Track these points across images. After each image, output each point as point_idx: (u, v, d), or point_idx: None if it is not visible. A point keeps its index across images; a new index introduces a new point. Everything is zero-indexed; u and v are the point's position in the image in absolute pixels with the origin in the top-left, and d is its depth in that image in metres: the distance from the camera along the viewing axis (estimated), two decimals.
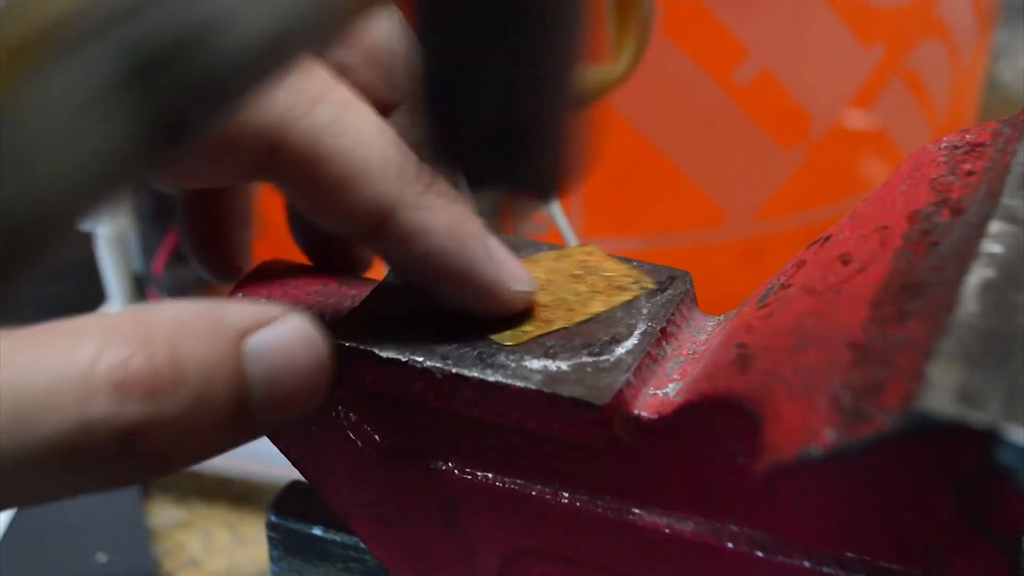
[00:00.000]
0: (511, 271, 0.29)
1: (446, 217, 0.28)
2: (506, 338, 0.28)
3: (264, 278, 0.31)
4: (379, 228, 0.28)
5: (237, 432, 0.24)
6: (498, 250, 0.29)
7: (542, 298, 0.29)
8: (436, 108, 0.26)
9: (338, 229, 0.28)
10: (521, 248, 0.32)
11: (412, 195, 0.28)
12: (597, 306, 0.29)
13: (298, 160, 0.28)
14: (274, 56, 0.14)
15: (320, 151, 0.27)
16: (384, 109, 0.30)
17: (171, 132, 0.14)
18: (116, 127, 0.13)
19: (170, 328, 0.22)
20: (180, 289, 0.54)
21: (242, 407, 0.23)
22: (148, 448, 0.22)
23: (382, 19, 0.31)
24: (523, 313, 0.29)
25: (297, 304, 0.31)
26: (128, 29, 0.12)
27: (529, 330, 0.28)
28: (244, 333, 0.23)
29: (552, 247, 0.32)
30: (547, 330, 0.28)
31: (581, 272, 0.31)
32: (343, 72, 0.30)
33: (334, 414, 0.29)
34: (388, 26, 0.31)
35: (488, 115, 0.26)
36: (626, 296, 0.30)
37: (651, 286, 0.30)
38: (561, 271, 0.31)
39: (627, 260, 0.31)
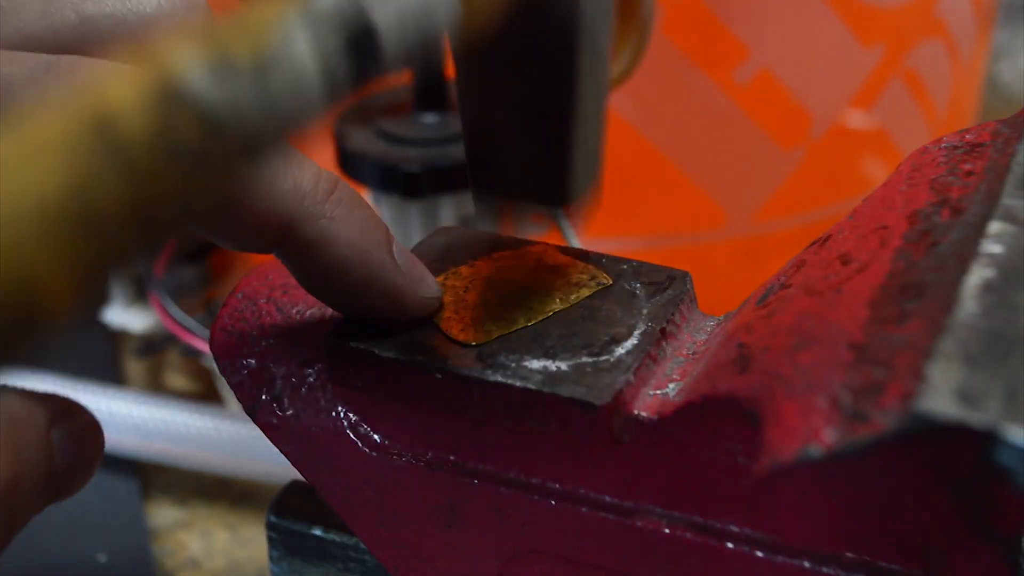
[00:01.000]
0: (416, 276, 0.29)
1: (347, 226, 0.27)
2: (470, 338, 0.28)
3: (264, 278, 0.31)
4: (280, 242, 0.27)
5: (40, 506, 0.27)
6: (403, 256, 0.29)
7: (502, 298, 0.30)
8: (479, 140, 0.31)
9: (240, 247, 0.28)
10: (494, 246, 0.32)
11: (311, 205, 0.27)
12: (556, 304, 0.29)
13: None
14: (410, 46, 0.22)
15: None
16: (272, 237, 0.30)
17: (364, 78, 0.21)
18: (338, 68, 0.21)
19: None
20: (181, 290, 0.54)
21: (49, 487, 0.27)
22: None
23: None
24: (485, 314, 0.29)
25: (297, 304, 0.31)
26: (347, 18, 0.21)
27: (492, 330, 0.28)
28: (52, 423, 0.27)
29: (513, 244, 0.32)
30: (510, 329, 0.28)
31: (536, 270, 0.31)
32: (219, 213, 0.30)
33: (334, 414, 0.29)
34: None
35: (528, 142, 0.31)
36: (584, 292, 0.30)
37: (607, 281, 0.30)
38: (517, 270, 0.31)
39: (582, 254, 0.32)
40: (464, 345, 0.28)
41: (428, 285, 0.29)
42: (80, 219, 0.18)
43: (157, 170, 0.18)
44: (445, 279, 0.30)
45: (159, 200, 0.19)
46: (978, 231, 0.24)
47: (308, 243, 0.27)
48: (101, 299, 0.58)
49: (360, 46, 0.21)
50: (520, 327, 0.28)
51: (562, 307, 0.29)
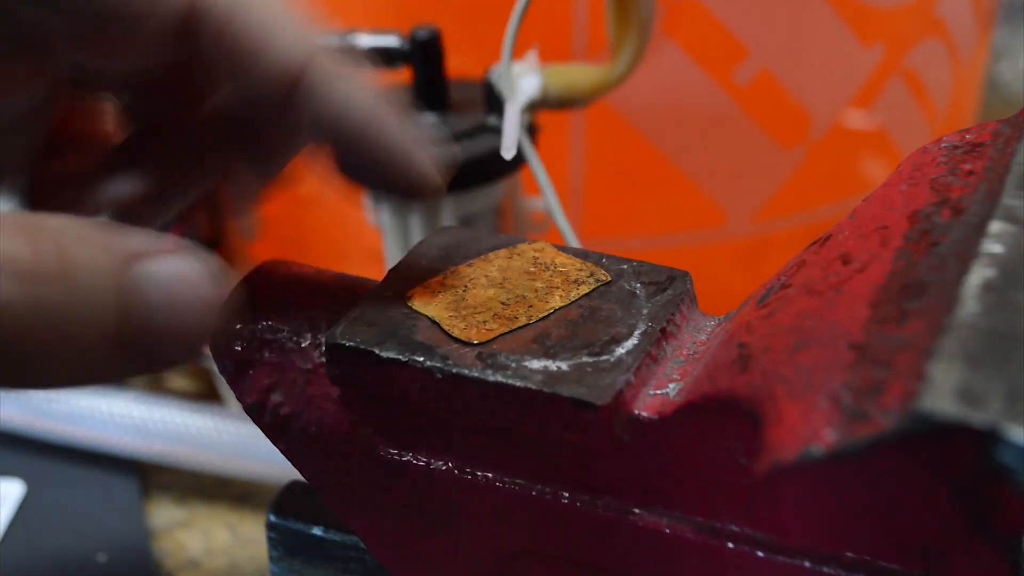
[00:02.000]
0: (422, 148, 0.28)
1: (358, 81, 0.27)
2: (472, 336, 0.28)
3: (264, 278, 0.31)
4: (292, 89, 0.27)
5: (115, 353, 0.23)
6: (410, 126, 0.28)
7: (502, 296, 0.30)
8: None
9: (251, 95, 0.28)
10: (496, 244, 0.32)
11: (324, 57, 0.27)
12: (556, 301, 0.29)
13: (212, 21, 0.27)
14: None
15: (232, 9, 0.28)
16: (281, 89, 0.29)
17: None
18: None
19: (59, 231, 0.22)
20: None
21: (120, 325, 0.23)
22: (22, 335, 0.22)
23: None
24: (486, 312, 0.29)
25: (297, 304, 0.31)
26: None
27: (494, 328, 0.28)
28: (136, 256, 0.23)
29: (509, 242, 0.32)
30: (511, 327, 0.28)
31: (535, 269, 0.31)
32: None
33: (334, 414, 0.29)
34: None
35: None
36: (584, 289, 0.30)
37: (606, 278, 0.30)
38: (515, 269, 0.31)
39: (581, 252, 0.32)
40: (466, 343, 0.28)
41: (430, 162, 0.28)
42: None
43: None
44: (445, 279, 0.30)
45: None
46: (979, 231, 0.24)
47: (319, 93, 0.27)
48: None
49: None
50: (521, 325, 0.28)
51: (562, 304, 0.29)
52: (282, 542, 0.32)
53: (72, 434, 0.51)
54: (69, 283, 0.22)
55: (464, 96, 0.48)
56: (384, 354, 0.28)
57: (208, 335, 0.24)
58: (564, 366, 0.27)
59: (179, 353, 0.24)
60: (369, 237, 0.51)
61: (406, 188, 0.28)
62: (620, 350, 0.28)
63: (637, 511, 0.27)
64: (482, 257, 0.31)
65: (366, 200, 0.49)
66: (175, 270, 0.23)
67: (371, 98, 0.28)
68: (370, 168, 0.28)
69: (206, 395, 0.57)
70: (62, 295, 0.22)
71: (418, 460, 0.29)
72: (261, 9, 0.28)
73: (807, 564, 0.25)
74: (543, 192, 0.42)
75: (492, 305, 0.29)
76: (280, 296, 0.31)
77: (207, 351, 0.28)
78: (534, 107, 0.43)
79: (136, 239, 0.24)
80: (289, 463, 0.30)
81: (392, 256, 0.48)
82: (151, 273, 0.23)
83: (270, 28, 0.28)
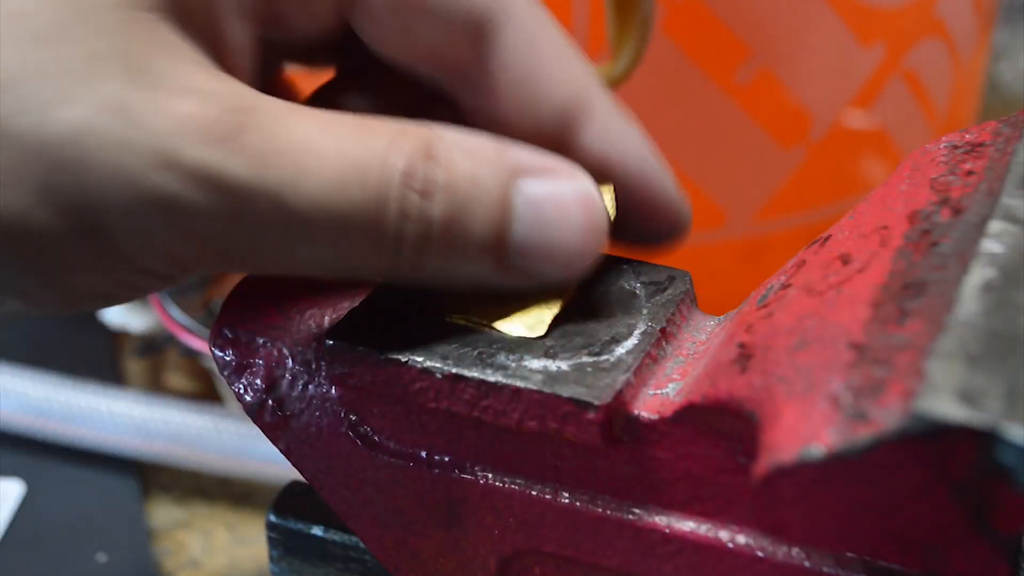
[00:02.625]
0: (681, 195, 0.28)
1: (631, 124, 0.27)
2: (536, 331, 0.28)
3: (264, 278, 0.31)
4: (570, 125, 0.27)
5: (495, 263, 0.24)
6: (670, 173, 0.28)
7: (503, 297, 0.29)
8: None
9: (528, 120, 0.28)
10: None
11: (602, 97, 0.27)
12: (556, 303, 0.29)
13: (508, 35, 0.27)
14: None
15: (528, 28, 0.27)
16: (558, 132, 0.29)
17: None
18: None
19: (451, 143, 0.24)
20: (180, 290, 0.54)
21: (501, 238, 0.24)
22: (416, 236, 0.23)
23: None
24: (522, 310, 0.29)
25: (297, 304, 0.31)
26: None
27: (545, 319, 0.28)
28: (521, 172, 0.24)
29: None
30: (557, 310, 0.28)
31: None
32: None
33: (334, 414, 0.29)
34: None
35: None
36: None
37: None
38: None
39: None
40: (503, 342, 0.28)
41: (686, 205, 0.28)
42: None
43: None
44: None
45: None
46: (979, 231, 0.24)
47: (605, 132, 0.28)
48: None
49: None
50: (560, 310, 0.28)
51: (561, 306, 0.29)
52: (282, 542, 0.32)
53: (72, 434, 0.51)
54: (453, 197, 0.23)
55: None
56: (384, 354, 0.28)
57: (589, 259, 0.25)
58: (564, 366, 0.27)
59: (556, 272, 0.25)
60: None
61: (668, 234, 0.28)
62: (620, 350, 0.28)
63: (637, 511, 0.27)
64: None
65: None
66: (560, 191, 0.24)
67: (643, 141, 0.28)
68: (636, 213, 0.28)
69: (206, 395, 0.56)
70: (444, 209, 0.23)
71: (418, 460, 0.29)
72: (552, 33, 0.28)
73: (807, 564, 0.25)
74: None
75: (497, 304, 0.29)
76: (280, 296, 0.31)
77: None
78: None
79: (523, 155, 0.24)
80: (289, 463, 0.30)
81: None
82: (534, 192, 0.24)
83: (561, 54, 0.27)
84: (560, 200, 0.24)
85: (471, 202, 0.24)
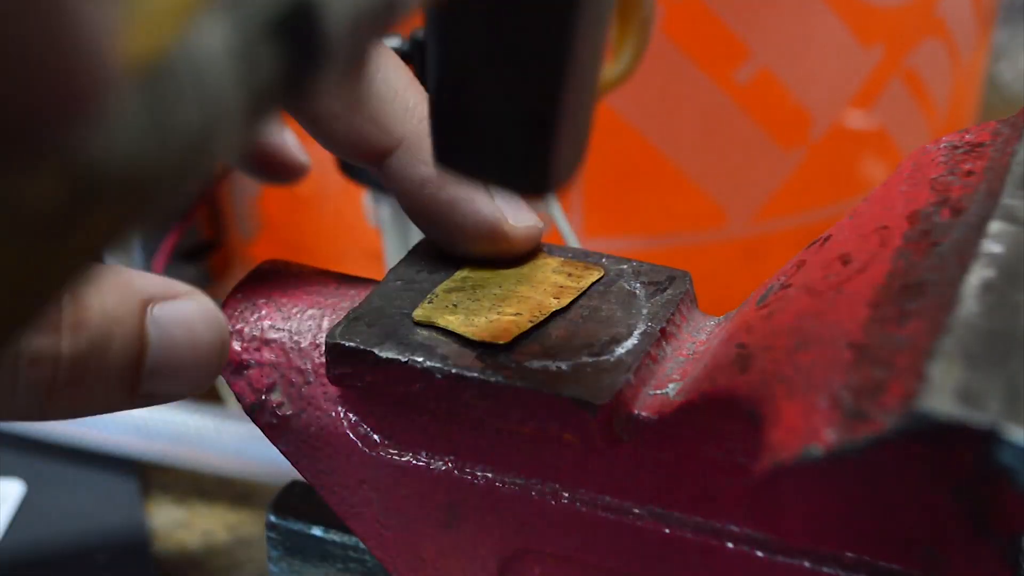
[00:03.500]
0: (513, 205, 0.29)
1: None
2: (485, 337, 0.28)
3: (264, 278, 0.31)
4: (384, 156, 0.29)
5: (128, 393, 0.24)
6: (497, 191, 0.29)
7: (503, 298, 0.29)
8: (447, 105, 0.25)
9: (350, 156, 0.30)
10: None
11: (417, 130, 0.29)
12: (553, 303, 0.29)
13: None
14: (367, 26, 0.17)
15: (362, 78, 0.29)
16: (377, 154, 0.31)
17: (299, 78, 0.16)
18: (263, 68, 0.15)
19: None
20: None
21: (136, 368, 0.24)
22: (41, 380, 0.23)
23: (377, 60, 0.31)
24: (493, 313, 0.29)
25: (297, 304, 0.31)
26: None
27: (511, 329, 0.28)
28: (150, 300, 0.24)
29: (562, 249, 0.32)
30: (524, 328, 0.28)
31: (533, 270, 0.31)
32: (330, 121, 0.30)
33: (334, 414, 0.29)
34: (378, 69, 0.31)
35: (506, 112, 0.25)
36: (584, 283, 0.30)
37: (600, 272, 0.30)
38: (516, 271, 0.31)
39: (581, 252, 0.32)
40: (489, 345, 0.28)
41: (526, 216, 0.29)
42: None
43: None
44: (448, 288, 0.30)
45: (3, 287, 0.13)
46: (978, 231, 0.24)
47: (407, 161, 0.29)
48: None
49: (296, 29, 0.15)
50: (532, 326, 0.28)
51: (558, 306, 0.29)
52: (282, 542, 0.32)
53: (72, 434, 0.51)
54: (83, 335, 0.23)
55: None
56: (384, 354, 0.28)
57: (215, 375, 0.25)
58: (564, 366, 0.27)
59: (182, 391, 0.25)
60: (369, 237, 0.51)
61: (494, 253, 0.30)
62: (620, 350, 0.28)
63: (637, 511, 0.27)
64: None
65: (366, 200, 0.49)
66: (187, 313, 0.24)
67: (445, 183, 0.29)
68: (455, 235, 0.30)
69: (206, 395, 0.56)
70: (77, 346, 0.23)
71: (418, 460, 0.29)
72: (381, 83, 0.30)
73: (807, 564, 0.25)
74: None
75: (494, 305, 0.29)
76: (280, 296, 0.31)
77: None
78: None
79: (149, 281, 0.24)
80: (289, 463, 0.30)
81: (392, 256, 0.48)
82: (165, 317, 0.24)
83: (381, 105, 0.30)
84: (187, 321, 0.24)
85: (106, 338, 0.23)
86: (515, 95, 0.24)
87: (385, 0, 0.17)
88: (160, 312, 0.24)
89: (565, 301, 0.29)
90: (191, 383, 0.25)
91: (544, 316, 0.29)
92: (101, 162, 0.13)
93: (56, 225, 0.13)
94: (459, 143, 0.26)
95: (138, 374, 0.24)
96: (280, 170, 0.36)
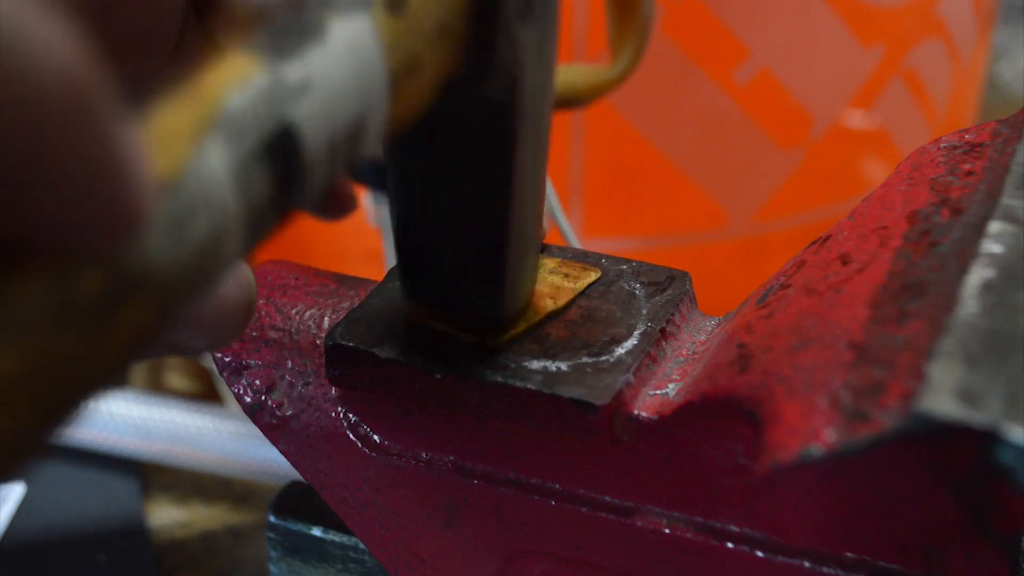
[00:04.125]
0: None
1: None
2: (484, 340, 0.28)
3: (264, 278, 0.31)
4: None
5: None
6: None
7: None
8: (409, 241, 0.28)
9: None
10: None
11: None
12: (549, 304, 0.29)
13: None
14: (339, 152, 0.19)
15: None
16: None
17: (290, 194, 0.18)
18: (257, 184, 0.17)
19: None
20: None
21: None
22: None
23: None
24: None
25: (297, 304, 0.31)
26: (262, 120, 0.18)
27: (501, 332, 0.28)
28: None
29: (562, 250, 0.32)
30: (517, 330, 0.28)
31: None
32: None
33: (334, 414, 0.29)
34: None
35: (460, 245, 0.27)
36: (580, 285, 0.30)
37: (597, 273, 0.30)
38: None
39: (580, 252, 0.32)
40: (472, 346, 0.28)
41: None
42: None
43: (49, 339, 0.15)
44: None
45: (55, 375, 0.15)
46: (978, 231, 0.24)
47: None
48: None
49: (280, 152, 0.18)
50: (524, 329, 0.28)
51: (554, 307, 0.29)
52: (282, 542, 0.32)
53: (72, 434, 0.51)
54: None
55: None
56: (384, 354, 0.28)
57: (237, 333, 0.25)
58: (564, 366, 0.27)
59: (204, 346, 0.25)
60: (369, 237, 0.51)
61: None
62: (620, 350, 0.28)
63: (637, 511, 0.27)
64: None
65: (366, 200, 0.49)
66: None
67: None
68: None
69: (206, 395, 0.56)
70: None
71: (418, 460, 0.29)
72: None
73: (807, 564, 0.25)
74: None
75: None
76: (279, 297, 0.31)
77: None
78: None
79: None
80: (289, 463, 0.30)
81: (392, 256, 0.48)
82: None
83: None
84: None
85: None
86: (466, 227, 0.27)
87: (352, 131, 0.19)
88: None
89: (561, 303, 0.29)
90: (214, 338, 0.25)
91: (539, 319, 0.29)
92: (135, 264, 0.16)
93: (100, 314, 0.15)
94: (421, 275, 0.28)
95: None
96: (340, 204, 0.34)
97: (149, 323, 0.16)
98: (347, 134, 0.19)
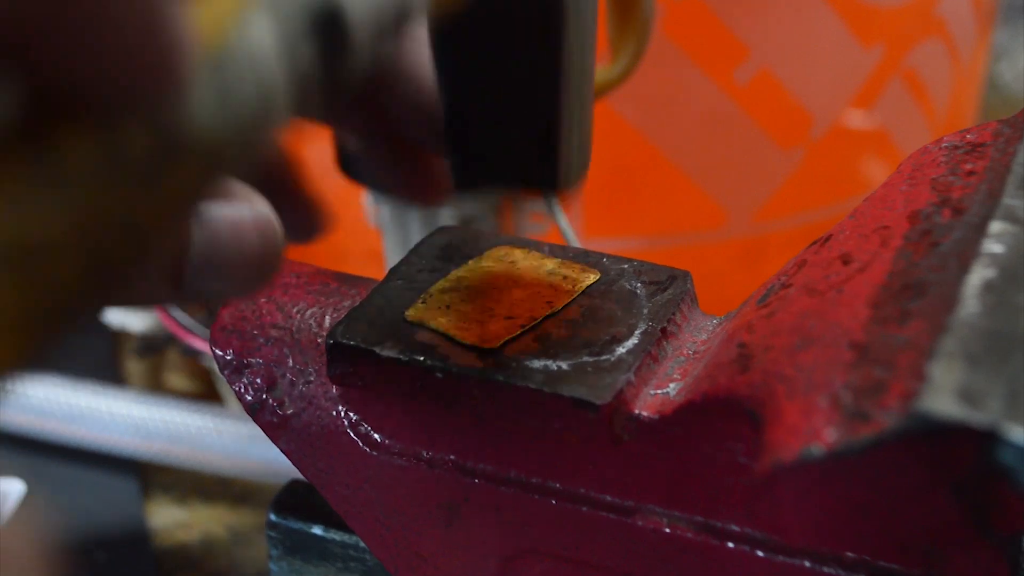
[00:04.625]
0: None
1: None
2: (475, 340, 0.28)
3: None
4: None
5: (172, 286, 0.24)
6: None
7: (498, 300, 0.29)
8: (456, 109, 0.28)
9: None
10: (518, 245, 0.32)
11: None
12: (545, 307, 0.29)
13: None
14: (384, 31, 0.20)
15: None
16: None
17: (332, 70, 0.19)
18: (303, 58, 0.18)
19: None
20: None
21: (178, 263, 0.23)
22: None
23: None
24: (485, 316, 0.29)
25: (297, 304, 0.31)
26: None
27: (500, 333, 0.28)
28: None
29: (556, 247, 0.32)
30: (516, 332, 0.28)
31: (528, 272, 0.31)
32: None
33: (334, 414, 0.29)
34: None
35: (510, 114, 0.27)
36: (579, 286, 0.30)
37: (596, 275, 0.30)
38: (510, 273, 0.31)
39: (581, 252, 0.32)
40: (470, 347, 0.28)
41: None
42: (20, 259, 0.15)
43: (99, 195, 0.16)
44: (444, 280, 0.30)
45: (106, 232, 0.16)
46: (979, 231, 0.24)
47: None
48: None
49: (326, 29, 0.18)
50: (525, 328, 0.28)
51: (551, 310, 0.29)
52: (282, 542, 0.32)
53: (72, 434, 0.51)
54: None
55: None
56: (384, 354, 0.28)
57: (263, 282, 0.25)
58: (564, 365, 0.27)
59: (228, 291, 0.24)
60: (369, 237, 0.51)
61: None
62: (620, 350, 0.28)
63: (637, 511, 0.27)
64: (481, 258, 0.31)
65: (366, 200, 0.49)
66: (234, 214, 0.24)
67: None
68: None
69: (206, 395, 0.56)
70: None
71: (419, 460, 0.29)
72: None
73: (807, 564, 0.25)
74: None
75: (488, 308, 0.29)
76: (279, 296, 0.31)
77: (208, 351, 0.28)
78: None
79: None
80: (289, 463, 0.30)
81: (392, 256, 0.48)
82: (212, 214, 0.23)
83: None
84: (237, 223, 0.23)
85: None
86: (518, 102, 0.27)
87: (399, 8, 0.20)
88: (208, 211, 0.23)
89: (559, 305, 0.29)
90: (237, 285, 0.24)
91: (536, 321, 0.29)
92: (182, 126, 0.16)
93: (148, 172, 0.16)
94: (474, 156, 0.28)
95: (180, 270, 0.23)
96: (432, 188, 0.32)
97: (193, 187, 0.17)
98: (391, 11, 0.20)
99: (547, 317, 0.29)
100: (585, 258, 0.31)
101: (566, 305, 0.29)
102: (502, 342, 0.28)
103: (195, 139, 0.17)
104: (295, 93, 0.18)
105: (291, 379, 0.30)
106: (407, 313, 0.29)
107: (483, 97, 0.28)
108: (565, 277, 0.30)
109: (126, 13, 0.15)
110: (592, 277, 0.30)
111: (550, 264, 0.31)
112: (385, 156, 0.31)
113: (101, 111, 0.16)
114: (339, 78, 0.19)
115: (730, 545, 0.26)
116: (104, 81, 0.16)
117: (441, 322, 0.29)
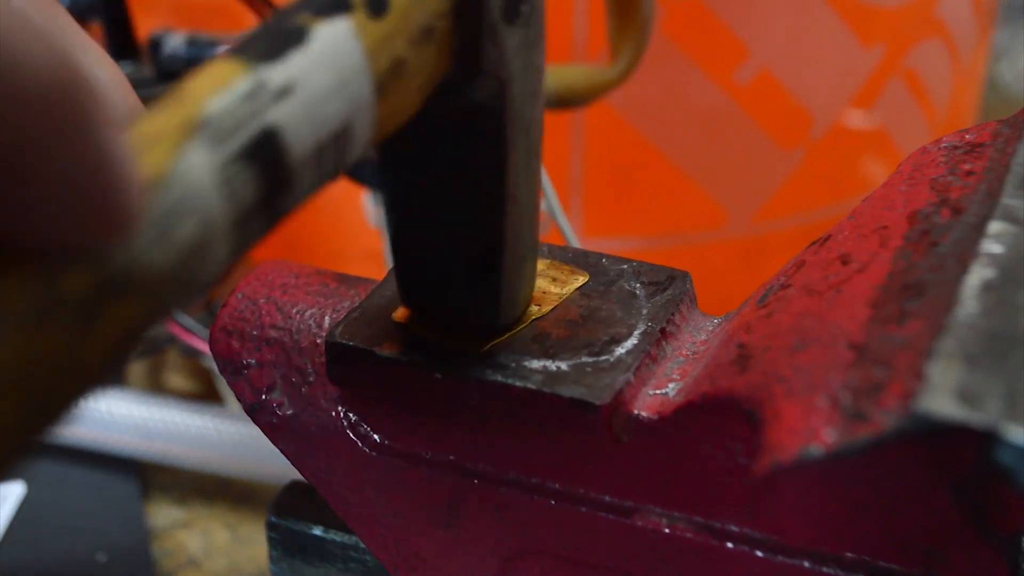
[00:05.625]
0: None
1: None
2: (465, 345, 0.28)
3: (264, 278, 0.31)
4: None
5: None
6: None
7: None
8: (399, 226, 0.27)
9: None
10: None
11: None
12: (534, 310, 0.29)
13: None
14: (326, 156, 0.20)
15: None
16: None
17: (278, 196, 0.19)
18: (242, 187, 0.18)
19: None
20: None
21: None
22: None
23: None
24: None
25: (297, 304, 0.31)
26: (245, 122, 0.18)
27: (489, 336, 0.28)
28: None
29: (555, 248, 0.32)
30: (503, 336, 0.28)
31: None
32: None
33: (334, 414, 0.29)
34: None
35: (455, 251, 0.27)
36: (568, 290, 0.30)
37: (584, 277, 0.30)
38: None
39: (581, 252, 0.31)
40: (462, 351, 0.28)
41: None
42: None
43: (37, 334, 0.15)
44: None
45: (44, 370, 0.15)
46: (978, 231, 0.24)
47: None
48: None
49: (264, 156, 0.18)
50: (514, 332, 0.28)
51: (539, 314, 0.29)
52: (282, 542, 0.32)
53: (72, 434, 0.51)
54: None
55: None
56: (384, 354, 0.28)
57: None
58: (564, 366, 0.27)
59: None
60: (369, 237, 0.51)
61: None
62: (620, 350, 0.28)
63: (637, 511, 0.27)
64: None
65: (366, 200, 0.49)
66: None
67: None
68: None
69: (206, 395, 0.57)
70: None
71: (418, 459, 0.29)
72: None
73: (807, 564, 0.25)
74: (543, 192, 0.42)
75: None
76: (279, 296, 0.31)
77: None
78: None
79: None
80: (289, 463, 0.30)
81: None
82: None
83: None
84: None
85: None
86: (461, 234, 0.27)
87: (338, 133, 0.19)
88: None
89: (546, 309, 0.29)
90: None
91: (523, 325, 0.28)
92: (121, 264, 0.16)
93: (87, 311, 0.16)
94: (417, 280, 0.28)
95: None
96: None
97: (136, 323, 0.17)
98: (333, 136, 0.20)
99: (533, 320, 0.29)
100: (585, 258, 0.31)
101: (553, 308, 0.29)
102: (488, 346, 0.28)
103: (135, 277, 0.16)
104: (237, 223, 0.18)
105: (291, 380, 0.30)
106: (394, 315, 0.29)
107: (426, 219, 0.27)
108: (554, 279, 0.30)
109: (73, 164, 0.15)
110: (581, 279, 0.30)
111: (540, 265, 0.31)
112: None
113: (39, 254, 0.15)
114: (283, 204, 0.19)
115: (729, 545, 0.26)
116: (44, 225, 0.15)
117: (426, 326, 0.29)
